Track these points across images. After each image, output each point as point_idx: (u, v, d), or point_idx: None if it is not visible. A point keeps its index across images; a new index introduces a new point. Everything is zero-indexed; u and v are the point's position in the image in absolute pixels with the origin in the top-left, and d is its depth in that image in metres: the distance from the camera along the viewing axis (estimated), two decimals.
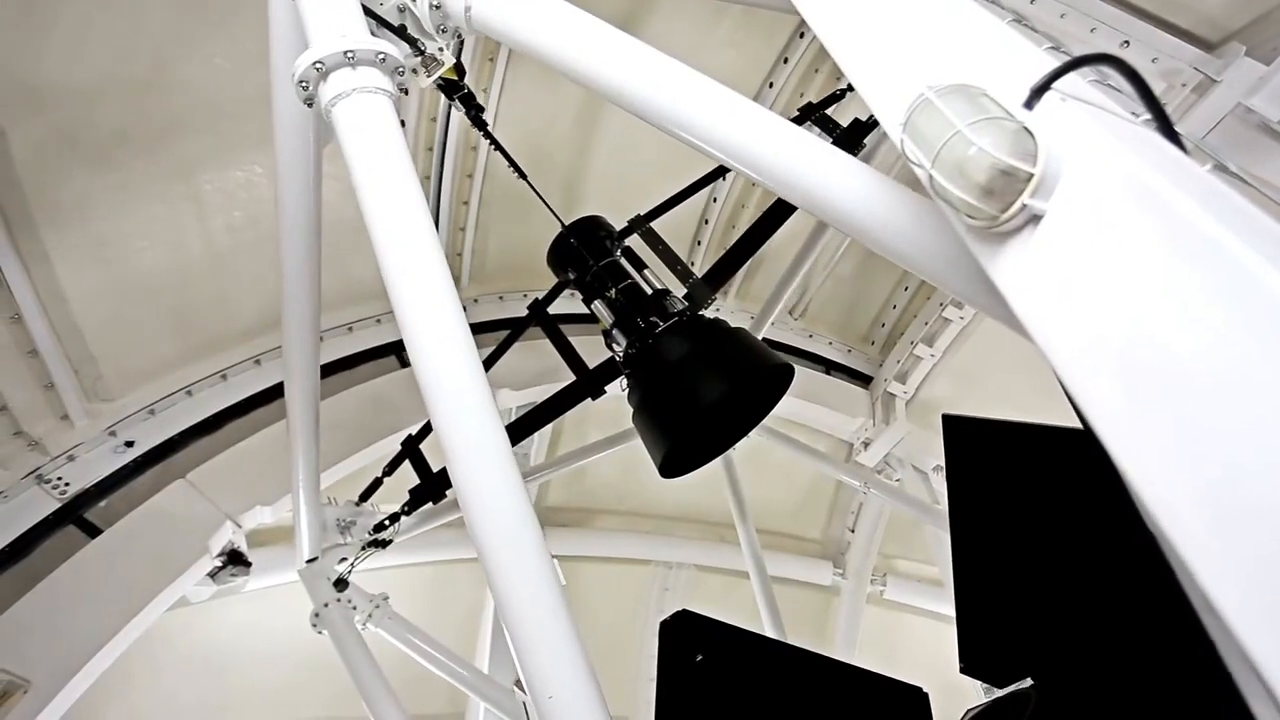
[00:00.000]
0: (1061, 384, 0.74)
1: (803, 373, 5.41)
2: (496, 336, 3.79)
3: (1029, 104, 0.88)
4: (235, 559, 3.43)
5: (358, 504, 3.42)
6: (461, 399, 1.43)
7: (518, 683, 3.61)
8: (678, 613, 2.28)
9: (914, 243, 1.18)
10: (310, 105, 1.71)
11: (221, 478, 3.45)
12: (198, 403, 3.64)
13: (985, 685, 2.08)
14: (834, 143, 3.46)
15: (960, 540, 2.08)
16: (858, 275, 5.47)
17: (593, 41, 1.64)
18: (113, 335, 3.39)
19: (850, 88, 3.59)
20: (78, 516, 3.22)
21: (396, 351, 4.33)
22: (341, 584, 3.23)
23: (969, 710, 2.08)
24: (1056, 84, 0.88)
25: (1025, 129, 0.85)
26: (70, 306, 3.20)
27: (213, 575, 3.41)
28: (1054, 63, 0.93)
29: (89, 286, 3.22)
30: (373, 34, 1.85)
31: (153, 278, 3.42)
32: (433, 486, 3.08)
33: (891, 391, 5.35)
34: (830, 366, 5.58)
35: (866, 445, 5.30)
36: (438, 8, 1.91)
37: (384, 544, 3.32)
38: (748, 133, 1.41)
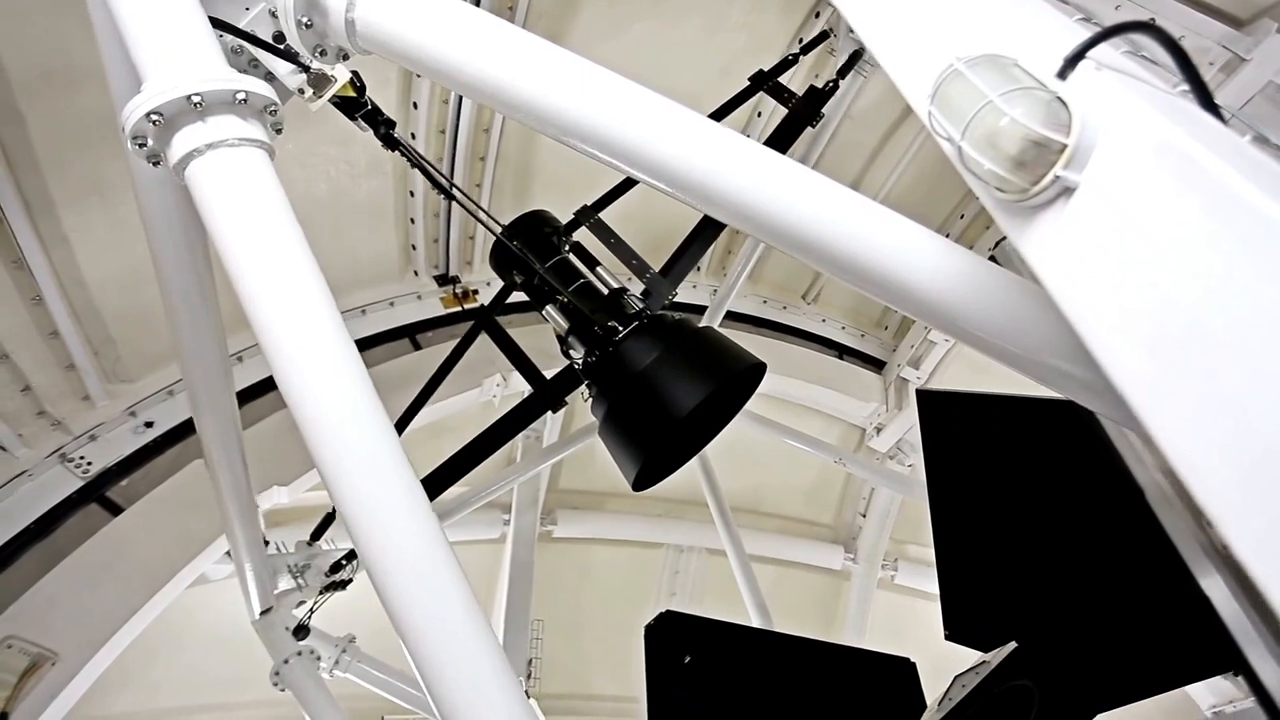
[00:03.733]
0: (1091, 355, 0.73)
1: (815, 358, 5.39)
2: (508, 320, 3.80)
3: (1062, 74, 0.86)
4: None
5: (310, 544, 3.21)
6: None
7: None
8: (661, 615, 2.27)
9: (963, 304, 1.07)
10: (157, 164, 1.30)
11: None
12: None
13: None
14: (790, 112, 3.35)
15: (939, 512, 2.11)
16: None
17: (534, 65, 1.30)
18: (131, 318, 3.42)
19: (804, 51, 3.50)
20: (100, 495, 3.28)
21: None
22: (302, 631, 3.02)
23: (957, 676, 2.11)
24: (1091, 53, 0.86)
25: (1059, 99, 0.83)
26: (89, 289, 3.23)
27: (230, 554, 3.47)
28: (1086, 34, 0.91)
29: (107, 269, 3.26)
30: (234, 54, 1.50)
31: None
32: None
33: (905, 377, 5.32)
34: (843, 351, 5.55)
35: (879, 431, 5.29)
36: (309, 26, 1.46)
37: (343, 585, 3.13)
38: (740, 179, 1.17)
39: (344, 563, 3.14)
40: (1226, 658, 1.18)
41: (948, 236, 5.11)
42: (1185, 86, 0.90)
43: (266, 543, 3.13)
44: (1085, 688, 1.83)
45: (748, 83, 3.32)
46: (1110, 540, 1.80)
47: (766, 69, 3.29)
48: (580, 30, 3.86)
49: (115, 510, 3.26)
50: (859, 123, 4.63)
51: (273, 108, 1.34)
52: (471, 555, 4.97)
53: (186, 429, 3.58)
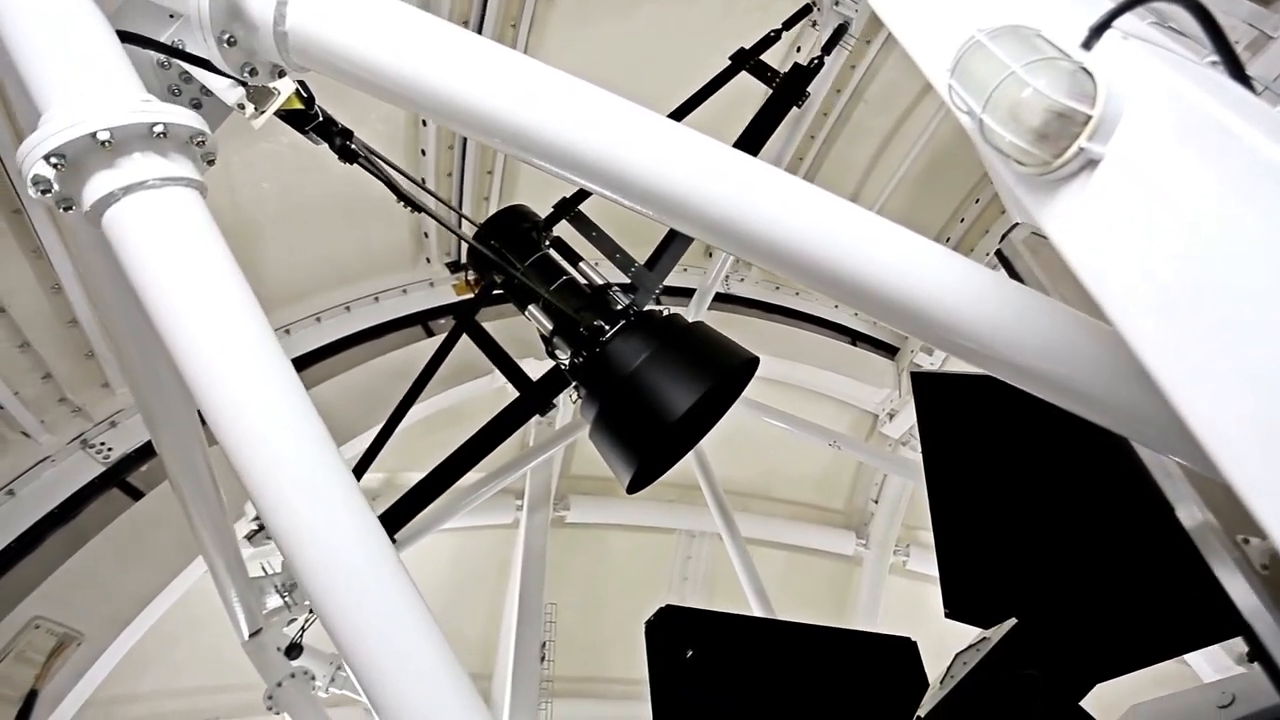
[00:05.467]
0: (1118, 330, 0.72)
1: (827, 343, 5.37)
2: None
3: (1087, 44, 0.84)
4: None
5: None
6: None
7: None
8: (661, 610, 2.25)
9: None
10: (69, 210, 1.09)
11: None
12: None
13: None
14: (775, 91, 3.20)
15: (936, 492, 2.11)
16: None
17: (493, 78, 1.13)
18: None
19: (786, 26, 3.41)
20: (121, 480, 3.34)
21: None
22: (295, 650, 2.92)
23: (959, 654, 2.12)
24: (1117, 23, 0.84)
25: (1083, 69, 0.81)
26: None
27: (249, 538, 3.51)
28: (1112, 3, 0.89)
29: None
30: (161, 69, 1.35)
31: None
32: (385, 521, 2.92)
33: (918, 362, 5.29)
34: (856, 337, 5.52)
35: (891, 417, 5.27)
36: (233, 43, 1.24)
37: None
38: (716, 186, 1.05)
39: None
40: (1228, 624, 1.17)
41: (962, 221, 5.05)
42: (1215, 57, 0.87)
43: (274, 536, 3.16)
44: (1086, 658, 1.83)
45: (729, 61, 3.17)
46: (1107, 511, 1.80)
47: (748, 46, 3.17)
48: (591, 10, 3.83)
49: (136, 495, 3.32)
50: (873, 106, 4.57)
51: (200, 138, 1.14)
52: (485, 540, 5.02)
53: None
